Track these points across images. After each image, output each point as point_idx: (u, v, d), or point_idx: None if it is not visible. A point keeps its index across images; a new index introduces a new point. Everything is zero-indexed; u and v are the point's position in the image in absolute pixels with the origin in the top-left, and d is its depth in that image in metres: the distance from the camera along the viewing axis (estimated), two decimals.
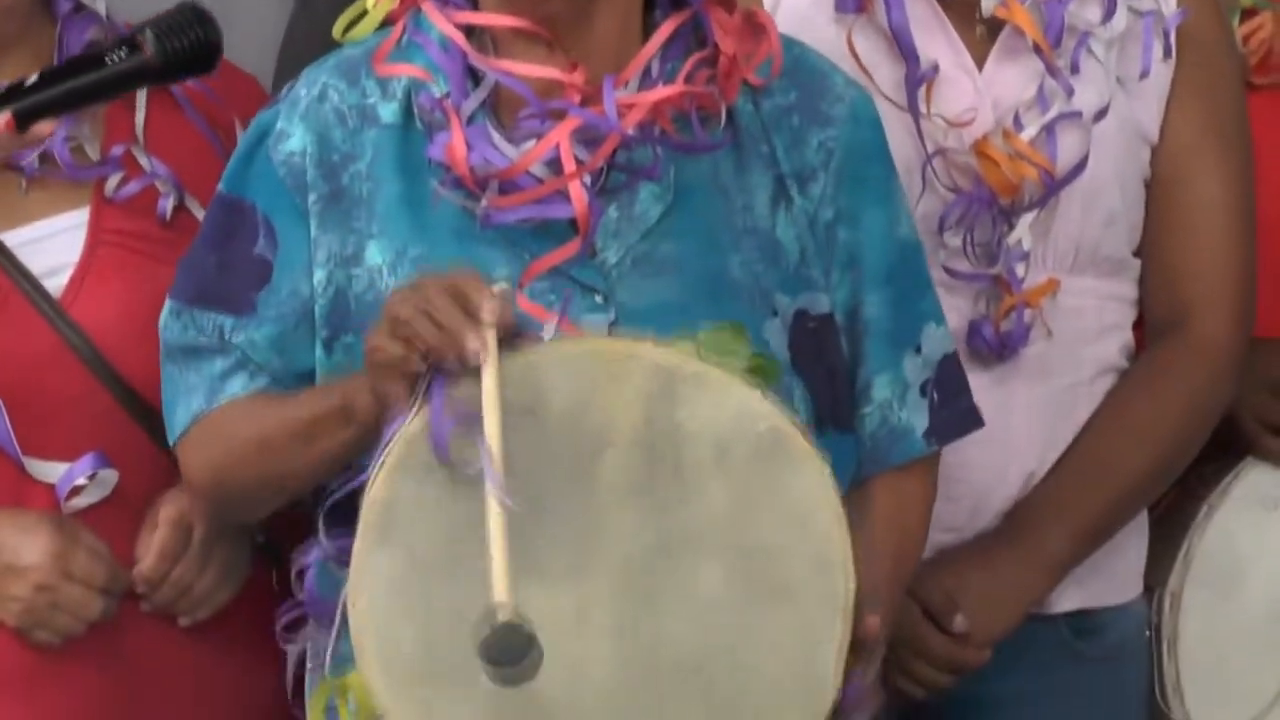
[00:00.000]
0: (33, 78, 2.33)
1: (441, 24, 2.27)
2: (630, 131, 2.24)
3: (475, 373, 2.04)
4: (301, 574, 2.27)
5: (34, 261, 2.48)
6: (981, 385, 2.47)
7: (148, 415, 2.43)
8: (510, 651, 2.00)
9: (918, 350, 2.36)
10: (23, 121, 2.30)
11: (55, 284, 2.47)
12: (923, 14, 2.57)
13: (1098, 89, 2.59)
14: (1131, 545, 2.71)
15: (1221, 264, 2.68)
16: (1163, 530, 2.82)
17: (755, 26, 2.31)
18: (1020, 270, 2.56)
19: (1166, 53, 2.64)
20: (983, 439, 2.48)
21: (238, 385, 2.31)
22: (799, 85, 2.34)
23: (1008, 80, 2.59)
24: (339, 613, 2.16)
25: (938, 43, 2.57)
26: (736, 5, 2.32)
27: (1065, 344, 2.61)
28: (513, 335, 2.08)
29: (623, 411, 2.11)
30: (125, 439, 2.48)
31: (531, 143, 2.21)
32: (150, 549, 2.47)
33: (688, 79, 2.25)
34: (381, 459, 2.09)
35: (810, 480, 2.10)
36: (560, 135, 2.21)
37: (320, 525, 2.21)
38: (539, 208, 2.22)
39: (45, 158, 2.47)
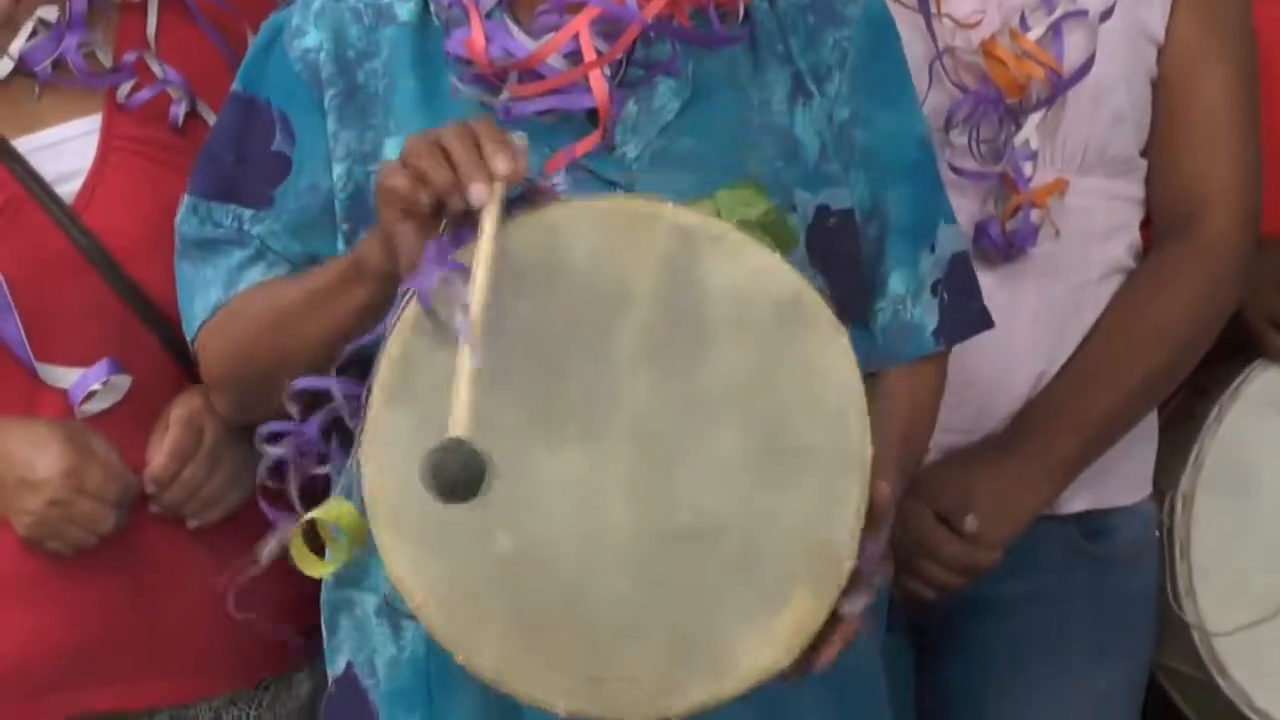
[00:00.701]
0: None
1: None
2: (649, 22, 2.23)
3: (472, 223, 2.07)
4: (299, 399, 2.23)
5: (47, 167, 2.49)
6: (989, 286, 2.49)
7: (160, 321, 2.45)
8: (451, 472, 1.99)
9: (932, 248, 2.38)
10: None
11: (68, 190, 2.48)
12: None
13: None
14: (1140, 446, 2.73)
15: (1228, 163, 2.70)
16: (1173, 433, 2.83)
17: None
18: (1028, 170, 2.57)
19: None
20: (990, 340, 2.50)
21: (256, 274, 2.32)
22: None
23: None
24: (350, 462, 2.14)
25: None
26: None
27: (1073, 244, 2.63)
28: (534, 194, 2.09)
29: (642, 271, 2.11)
30: (138, 345, 2.49)
31: (551, 35, 2.20)
32: (161, 448, 2.49)
33: None
34: (398, 314, 2.09)
35: (828, 343, 2.10)
36: (580, 24, 2.20)
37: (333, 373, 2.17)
38: (559, 98, 2.22)
39: (58, 64, 2.47)
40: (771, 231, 2.13)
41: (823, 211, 2.30)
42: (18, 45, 2.42)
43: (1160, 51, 2.69)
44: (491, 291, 2.02)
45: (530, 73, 2.22)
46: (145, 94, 2.51)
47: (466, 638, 2.10)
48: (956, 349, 2.46)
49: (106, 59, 2.50)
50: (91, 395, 2.47)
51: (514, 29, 2.25)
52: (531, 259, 2.06)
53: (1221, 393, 2.84)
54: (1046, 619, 2.68)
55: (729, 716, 2.25)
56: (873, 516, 2.11)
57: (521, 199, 2.08)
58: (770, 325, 2.10)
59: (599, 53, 2.20)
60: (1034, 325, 2.62)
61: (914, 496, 2.56)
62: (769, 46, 2.32)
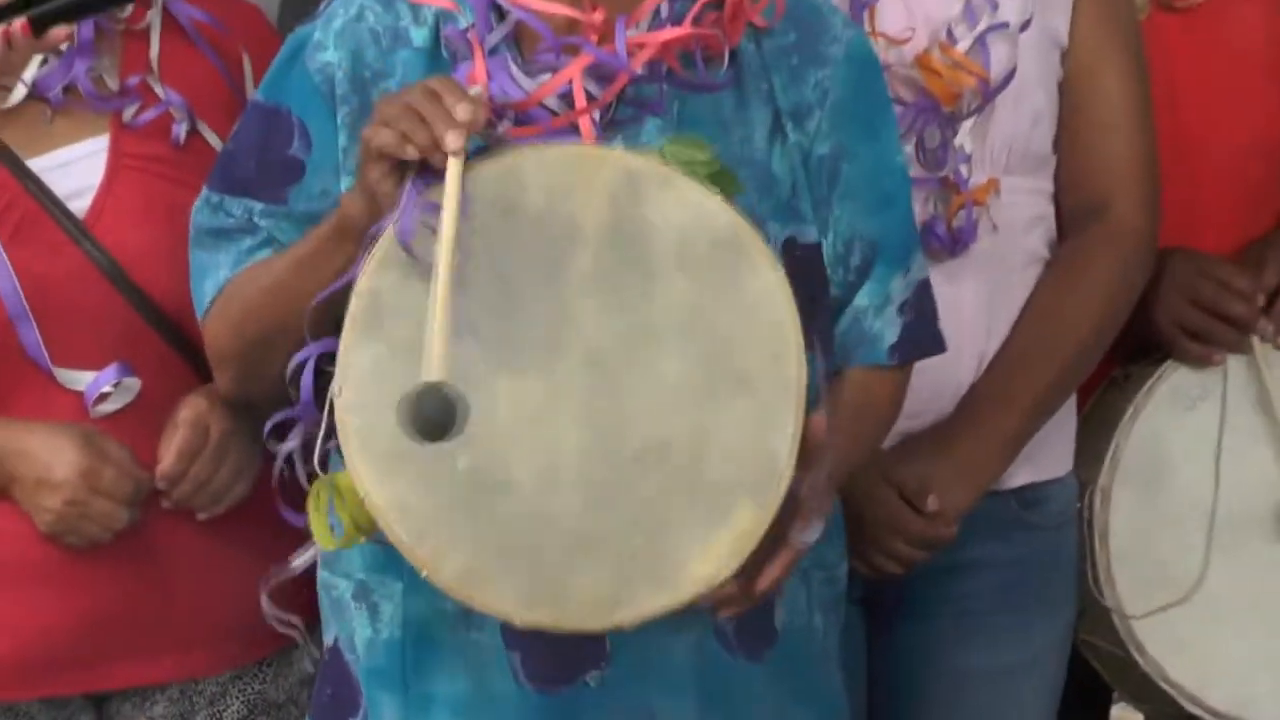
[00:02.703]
0: None
1: None
2: (639, 69, 2.27)
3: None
4: (296, 376, 2.28)
5: (59, 185, 2.51)
6: (935, 280, 2.52)
7: (167, 326, 2.48)
8: (428, 414, 2.02)
9: (907, 271, 2.42)
10: (38, 27, 2.32)
11: (79, 205, 2.51)
12: None
13: (1020, 4, 2.65)
14: (1064, 423, 2.80)
15: (1129, 156, 2.76)
16: (1091, 429, 2.90)
17: None
18: (965, 171, 2.63)
19: None
20: (942, 327, 2.56)
21: (262, 257, 2.36)
22: (799, 27, 2.37)
23: None
24: (326, 411, 2.18)
25: None
26: None
27: (1002, 237, 2.69)
28: (497, 143, 2.13)
29: (593, 209, 2.14)
30: (147, 348, 2.52)
31: (547, 76, 2.25)
32: (170, 448, 2.51)
33: (695, 21, 2.28)
34: (368, 258, 2.13)
35: (765, 277, 2.13)
36: (574, 71, 2.24)
37: (308, 332, 2.23)
38: (551, 139, 2.28)
39: (68, 89, 2.50)
40: (715, 180, 2.16)
41: (790, 243, 2.33)
42: (30, 72, 2.45)
43: (1065, 55, 2.74)
44: (458, 228, 2.06)
45: (526, 113, 2.26)
46: (149, 115, 2.54)
47: (430, 553, 2.12)
48: None
49: (113, 83, 2.53)
50: (104, 397, 2.51)
51: (514, 68, 2.28)
52: (493, 200, 2.11)
53: (1136, 392, 2.89)
54: (988, 583, 2.74)
55: (677, 699, 2.33)
56: (807, 447, 2.13)
57: (484, 150, 2.12)
58: (711, 260, 2.13)
59: (590, 97, 2.24)
60: (975, 313, 2.67)
61: (879, 481, 2.62)
62: (754, 86, 2.35)
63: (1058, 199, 2.79)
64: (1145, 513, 2.87)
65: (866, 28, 2.56)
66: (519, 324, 2.14)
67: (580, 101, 2.25)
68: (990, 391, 2.69)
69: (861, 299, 2.39)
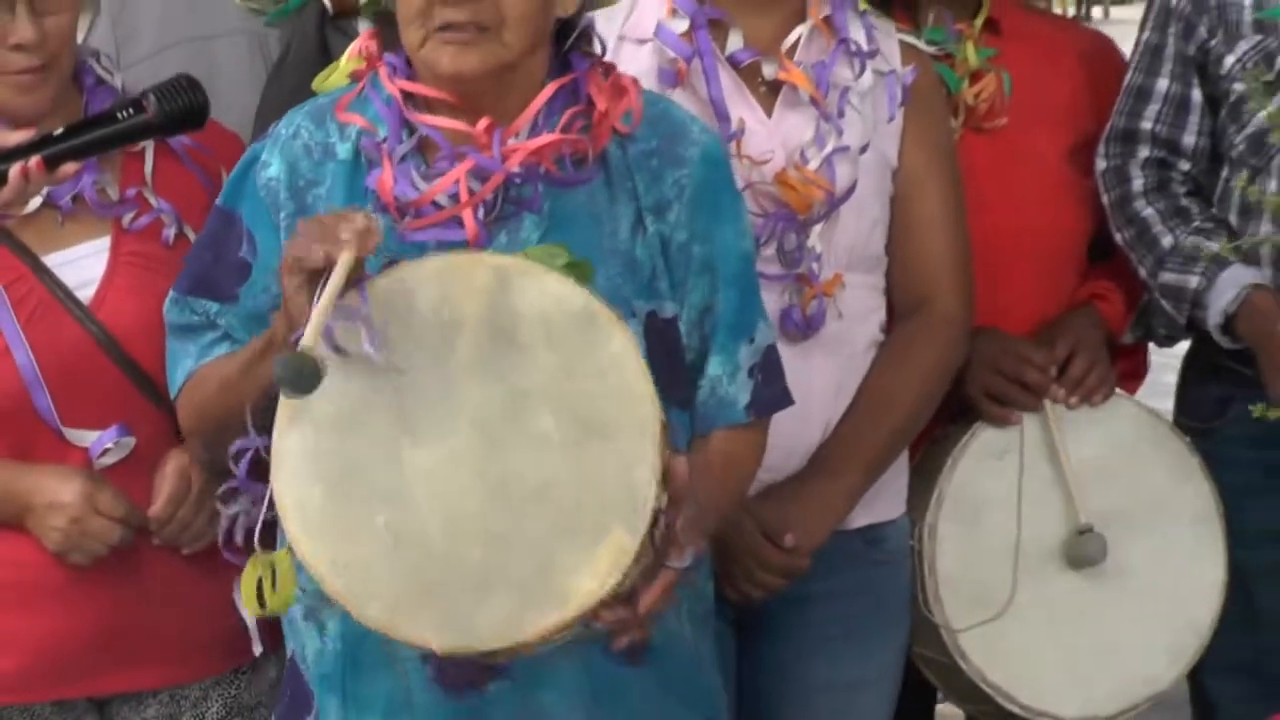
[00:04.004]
0: (59, 130, 2.49)
1: (388, 87, 2.41)
2: (516, 170, 2.35)
3: (356, 284, 2.19)
4: (237, 458, 2.36)
5: (69, 277, 2.64)
6: (790, 356, 2.65)
7: (157, 393, 2.59)
8: (295, 369, 2.08)
9: (751, 340, 2.49)
10: (51, 164, 2.45)
11: (85, 294, 2.64)
12: (725, 82, 2.74)
13: (859, 130, 2.78)
14: (898, 473, 2.93)
15: (948, 256, 2.89)
16: (920, 479, 3.02)
17: (621, 88, 2.44)
18: (816, 268, 2.76)
19: (902, 101, 2.85)
20: (797, 397, 2.63)
21: (220, 351, 2.44)
22: (659, 134, 2.45)
23: (790, 126, 2.77)
24: (269, 490, 2.24)
25: (737, 102, 2.75)
26: (612, 70, 2.45)
27: (847, 323, 2.82)
28: (394, 261, 2.23)
29: (471, 302, 2.23)
30: (139, 411, 2.64)
31: (440, 178, 2.36)
32: (160, 496, 2.64)
33: (564, 129, 2.38)
34: None
35: (618, 342, 2.21)
36: (458, 173, 2.35)
37: (250, 422, 2.31)
38: (441, 231, 2.36)
39: (77, 198, 2.63)
40: (571, 269, 2.25)
41: (652, 316, 2.42)
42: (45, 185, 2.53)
43: (895, 173, 2.87)
44: (334, 300, 2.13)
45: (425, 208, 2.36)
46: (144, 220, 2.68)
47: (357, 597, 2.20)
48: None
49: (114, 193, 2.67)
50: (105, 452, 2.64)
51: (414, 174, 2.38)
52: (390, 304, 2.21)
53: (954, 447, 3.03)
54: (837, 608, 2.86)
55: (568, 701, 2.39)
56: (674, 486, 2.21)
57: (387, 265, 2.23)
58: (570, 334, 2.22)
59: (472, 194, 2.35)
60: (823, 385, 2.80)
61: (746, 521, 2.70)
62: (620, 184, 2.43)
63: (890, 292, 2.91)
64: (964, 545, 3.01)
65: (734, 151, 2.68)
66: (418, 402, 2.21)
67: (464, 198, 2.34)
68: (836, 450, 2.81)
69: (715, 368, 2.46)
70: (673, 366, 2.43)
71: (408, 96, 2.39)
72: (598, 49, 2.46)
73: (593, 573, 2.16)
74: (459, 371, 2.23)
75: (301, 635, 2.46)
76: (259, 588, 2.30)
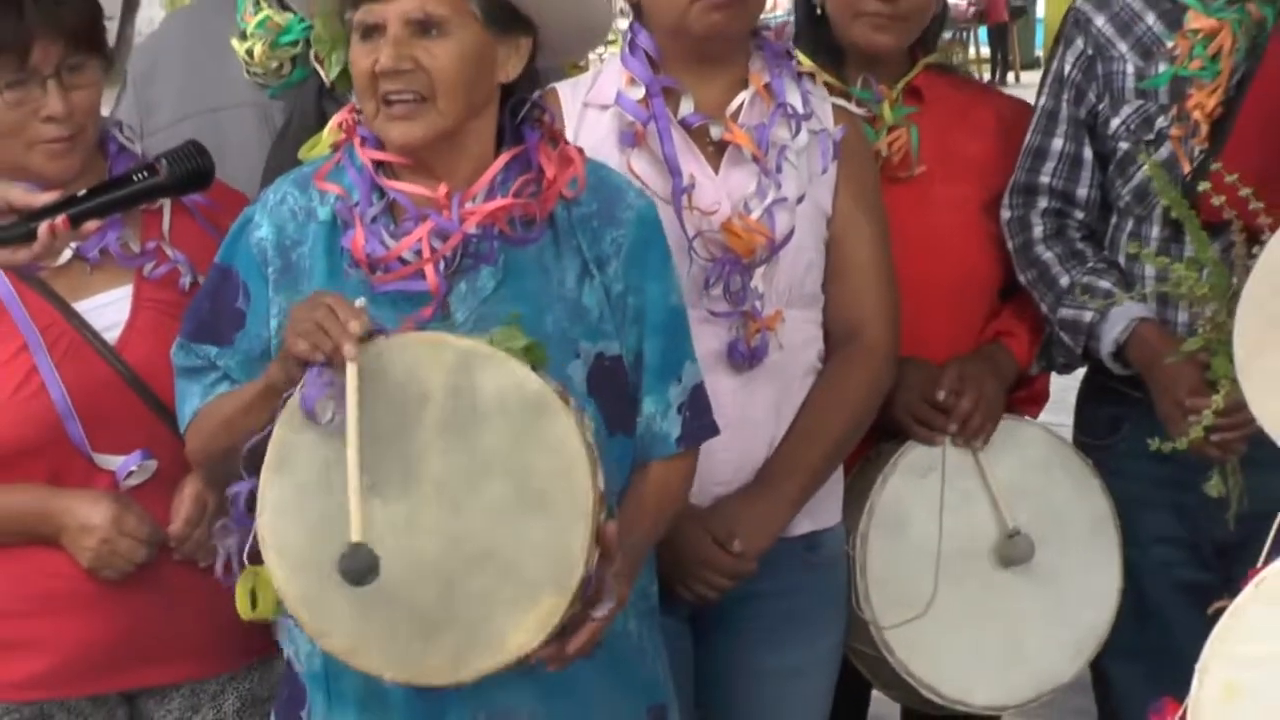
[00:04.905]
0: (82, 191, 2.59)
1: (361, 156, 2.51)
2: (472, 230, 2.43)
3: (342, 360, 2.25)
4: (234, 499, 2.43)
5: (96, 320, 2.74)
6: (738, 384, 2.83)
7: (175, 422, 2.63)
8: (358, 566, 2.18)
9: (679, 380, 2.58)
10: (75, 221, 2.55)
11: (112, 335, 2.73)
12: (678, 142, 2.85)
13: (796, 183, 2.89)
14: (834, 486, 3.05)
15: (876, 293, 2.99)
16: (854, 491, 3.13)
17: (567, 157, 2.52)
18: (759, 306, 2.87)
19: (834, 156, 2.96)
20: (740, 420, 2.82)
21: (222, 389, 2.51)
22: (599, 199, 2.54)
23: (735, 180, 2.87)
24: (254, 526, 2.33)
25: (688, 160, 2.86)
26: (560, 140, 2.54)
27: (786, 354, 2.92)
28: (371, 333, 2.29)
29: (438, 378, 2.28)
30: (161, 438, 2.73)
31: (405, 236, 2.46)
32: (178, 516, 2.73)
33: (516, 194, 2.46)
34: (281, 415, 2.31)
35: (563, 425, 2.28)
36: (420, 233, 2.44)
37: (242, 467, 2.39)
38: (407, 283, 2.45)
39: (103, 251, 2.73)
40: (528, 353, 2.31)
41: (600, 356, 2.50)
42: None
43: (828, 220, 2.97)
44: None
45: (392, 263, 2.45)
46: (162, 270, 2.77)
47: (323, 629, 2.29)
48: (731, 426, 2.74)
49: (135, 246, 2.77)
50: (130, 474, 2.73)
51: (384, 233, 2.46)
52: (366, 372, 2.26)
53: (885, 464, 3.13)
54: (780, 605, 2.97)
55: (520, 689, 2.44)
56: (604, 545, 2.29)
57: (363, 338, 2.28)
58: (523, 413, 2.28)
59: (434, 250, 2.43)
60: (767, 409, 2.92)
61: (698, 530, 2.81)
62: (567, 241, 2.52)
63: (825, 325, 3.00)
64: (893, 552, 3.11)
65: (686, 204, 2.80)
66: (387, 463, 2.27)
67: (426, 254, 2.42)
68: (779, 466, 2.92)
69: (648, 407, 2.55)
70: (619, 400, 2.51)
71: (378, 163, 2.48)
72: (553, 115, 2.56)
73: (525, 628, 2.25)
74: (423, 439, 2.28)
75: (296, 639, 2.53)
76: (253, 595, 2.45)
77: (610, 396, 2.50)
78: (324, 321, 2.26)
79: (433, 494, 2.28)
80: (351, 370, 2.22)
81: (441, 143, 2.45)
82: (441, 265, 2.44)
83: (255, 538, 2.33)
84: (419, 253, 2.45)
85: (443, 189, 2.44)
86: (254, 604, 2.48)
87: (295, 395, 2.28)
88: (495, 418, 2.27)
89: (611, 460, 2.44)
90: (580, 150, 2.56)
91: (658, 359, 2.56)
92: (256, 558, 2.34)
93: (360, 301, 2.29)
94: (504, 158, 2.48)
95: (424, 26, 2.43)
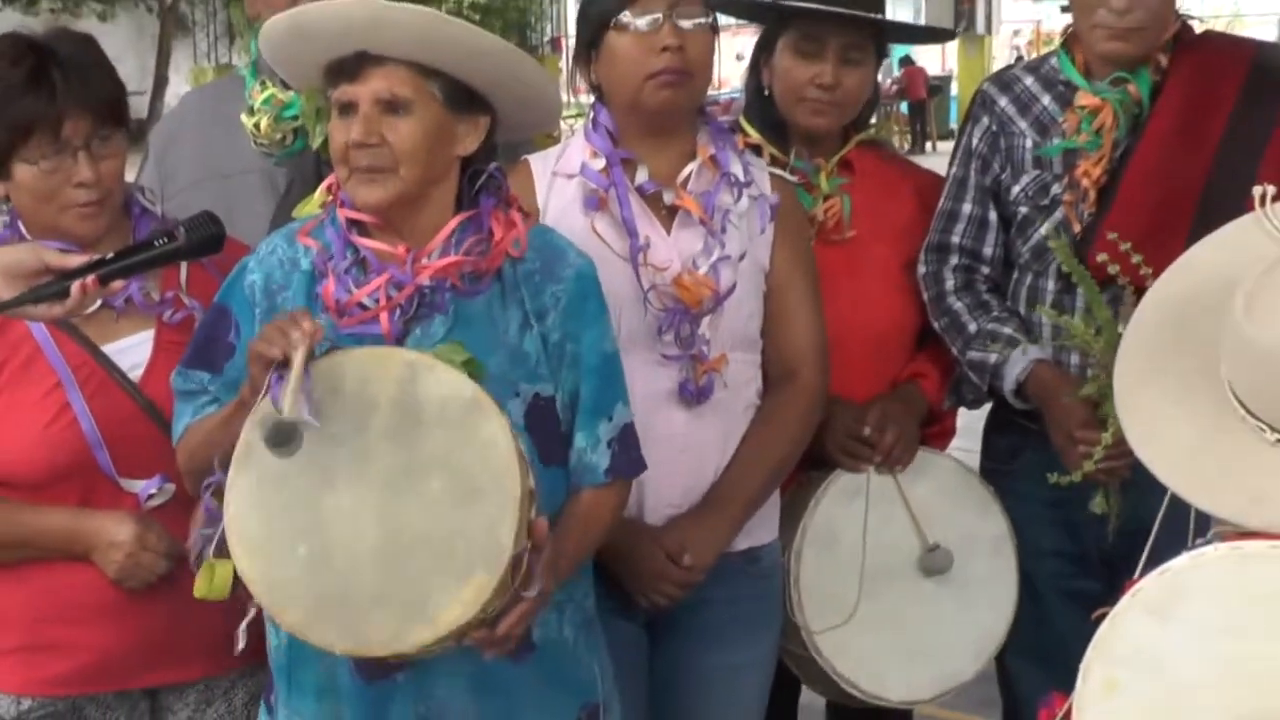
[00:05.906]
0: (110, 254, 2.64)
1: (339, 216, 2.62)
2: (426, 282, 2.54)
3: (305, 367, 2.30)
4: (203, 490, 2.50)
5: (122, 361, 2.86)
6: (688, 418, 2.98)
7: None
8: (280, 434, 2.24)
9: (610, 419, 2.66)
10: (104, 280, 2.61)
11: (135, 374, 2.85)
12: (635, 206, 2.97)
13: (739, 242, 3.01)
14: (772, 508, 3.17)
15: (809, 339, 3.11)
16: (789, 512, 3.24)
17: (512, 221, 2.62)
18: (706, 349, 2.99)
19: (771, 219, 3.07)
20: (691, 449, 2.97)
21: (210, 410, 2.61)
22: (542, 257, 2.64)
23: (685, 240, 3.00)
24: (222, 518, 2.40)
25: (644, 222, 2.98)
26: (512, 206, 2.63)
27: (731, 392, 3.05)
28: (330, 348, 2.38)
29: (385, 386, 2.36)
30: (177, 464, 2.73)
31: (367, 285, 2.57)
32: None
33: (467, 251, 2.56)
34: (247, 420, 2.40)
35: (495, 426, 2.35)
36: (378, 284, 2.56)
37: (217, 465, 2.45)
38: (366, 326, 2.56)
39: (128, 300, 2.85)
40: (467, 366, 2.38)
41: (536, 396, 2.60)
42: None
43: (767, 275, 3.09)
44: (301, 383, 2.26)
45: (356, 307, 2.55)
46: (179, 315, 2.89)
47: (279, 607, 2.35)
48: (675, 457, 2.91)
49: (156, 296, 2.89)
50: (151, 496, 2.85)
51: (352, 284, 2.56)
52: (323, 382, 2.35)
53: (816, 489, 3.27)
54: (725, 611, 3.10)
55: (457, 688, 2.52)
56: (535, 536, 2.38)
57: (327, 352, 2.39)
58: (460, 416, 2.34)
59: (389, 299, 2.55)
60: (713, 440, 3.04)
61: (653, 545, 2.93)
62: (512, 294, 2.61)
63: (764, 367, 3.11)
64: (822, 566, 3.24)
65: (642, 261, 2.92)
66: (338, 461, 2.34)
67: (383, 302, 2.54)
68: (723, 490, 3.04)
69: (580, 441, 2.63)
70: (551, 435, 2.62)
71: (353, 222, 2.60)
72: (506, 185, 2.65)
73: (459, 602, 2.32)
74: (371, 438, 2.35)
75: (269, 635, 2.67)
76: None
77: (543, 432, 2.58)
78: (282, 325, 2.36)
79: (378, 487, 2.33)
80: (301, 350, 2.30)
81: (403, 205, 2.55)
82: (397, 313, 2.53)
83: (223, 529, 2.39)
84: (379, 300, 2.56)
85: (401, 248, 2.55)
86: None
87: (259, 403, 2.35)
88: (436, 420, 2.33)
89: (544, 490, 2.51)
90: (525, 214, 2.66)
91: (591, 399, 2.64)
92: (224, 550, 2.40)
93: (315, 318, 2.37)
94: (457, 219, 2.59)
95: (391, 106, 2.55)
